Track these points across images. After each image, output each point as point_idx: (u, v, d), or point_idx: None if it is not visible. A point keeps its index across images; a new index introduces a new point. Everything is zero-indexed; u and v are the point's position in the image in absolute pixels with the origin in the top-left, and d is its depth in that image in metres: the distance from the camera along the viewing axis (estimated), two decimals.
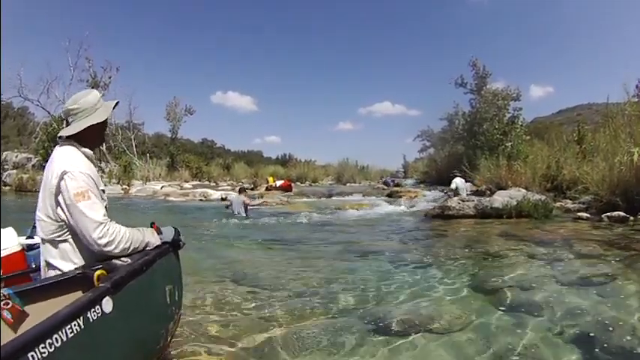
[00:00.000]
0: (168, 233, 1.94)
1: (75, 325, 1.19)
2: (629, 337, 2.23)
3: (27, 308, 1.48)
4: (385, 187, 21.57)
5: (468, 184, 13.55)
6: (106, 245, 1.65)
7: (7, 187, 19.36)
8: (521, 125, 19.06)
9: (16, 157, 24.13)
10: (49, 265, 1.74)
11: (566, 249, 4.60)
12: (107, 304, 1.36)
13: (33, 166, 22.27)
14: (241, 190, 11.54)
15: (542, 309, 2.77)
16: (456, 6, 75.05)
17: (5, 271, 1.91)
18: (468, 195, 9.18)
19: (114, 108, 2.00)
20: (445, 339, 2.41)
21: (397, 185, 21.65)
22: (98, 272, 1.54)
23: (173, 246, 1.96)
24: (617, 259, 3.98)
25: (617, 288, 3.09)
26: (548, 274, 3.62)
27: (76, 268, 1.66)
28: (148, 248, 1.81)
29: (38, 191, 1.78)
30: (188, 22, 76.44)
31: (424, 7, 77.02)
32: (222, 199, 12.12)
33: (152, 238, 1.84)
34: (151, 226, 1.92)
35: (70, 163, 1.70)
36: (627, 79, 10.41)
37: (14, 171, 21.56)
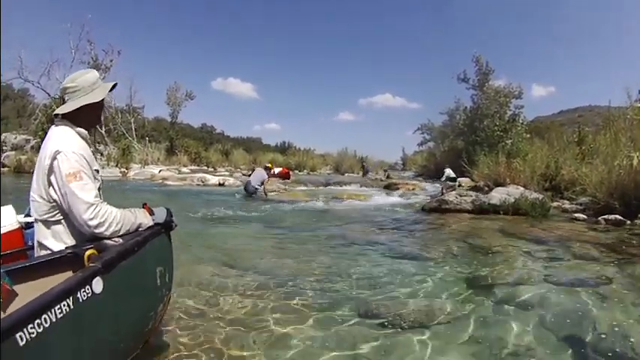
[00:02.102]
0: (161, 214, 1.92)
1: (64, 305, 1.17)
2: (619, 340, 2.24)
3: (17, 287, 1.47)
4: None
5: (466, 179, 13.63)
6: (97, 227, 1.64)
7: (6, 169, 19.22)
8: (522, 123, 19.05)
9: (15, 138, 24.04)
10: (42, 246, 1.73)
11: (561, 249, 4.60)
12: (97, 284, 1.35)
13: (32, 147, 22.13)
14: (265, 168, 11.81)
15: (534, 307, 2.78)
16: (462, 1, 74.25)
17: (3, 248, 1.91)
18: (466, 190, 9.19)
19: (112, 89, 1.97)
20: (435, 333, 2.41)
21: (388, 177, 21.71)
22: (89, 252, 1.53)
23: (165, 227, 1.94)
24: (612, 262, 3.98)
25: (610, 291, 3.09)
26: (543, 273, 3.63)
27: (66, 248, 1.64)
28: (140, 229, 1.79)
29: None
30: (191, 7, 75.69)
31: (429, 1, 76.18)
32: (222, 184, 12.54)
33: (144, 219, 1.82)
34: (143, 207, 1.90)
35: (63, 143, 1.68)
36: (629, 82, 10.32)
37: (13, 152, 21.46)
